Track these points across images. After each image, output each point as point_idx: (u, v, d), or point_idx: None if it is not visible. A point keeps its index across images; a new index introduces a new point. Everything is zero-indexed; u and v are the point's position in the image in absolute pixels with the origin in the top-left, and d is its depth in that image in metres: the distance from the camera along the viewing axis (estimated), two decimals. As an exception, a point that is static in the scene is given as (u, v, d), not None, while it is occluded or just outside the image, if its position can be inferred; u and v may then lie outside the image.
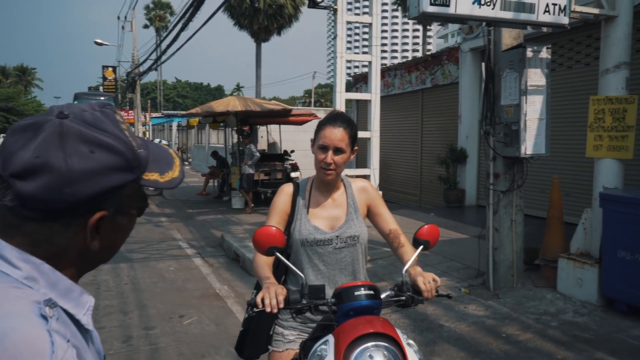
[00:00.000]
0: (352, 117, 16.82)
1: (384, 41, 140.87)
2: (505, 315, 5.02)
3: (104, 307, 5.76)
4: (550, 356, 4.19)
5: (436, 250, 7.31)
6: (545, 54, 5.28)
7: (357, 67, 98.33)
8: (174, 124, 35.62)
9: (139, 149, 0.86)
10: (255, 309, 1.89)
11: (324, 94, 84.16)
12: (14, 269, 0.78)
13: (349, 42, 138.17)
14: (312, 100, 68.75)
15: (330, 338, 1.90)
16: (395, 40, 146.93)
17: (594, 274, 5.11)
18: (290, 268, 2.04)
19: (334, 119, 2.17)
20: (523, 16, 4.64)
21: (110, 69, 42.25)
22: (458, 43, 12.39)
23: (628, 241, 4.68)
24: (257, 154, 12.27)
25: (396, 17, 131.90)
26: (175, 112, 46.79)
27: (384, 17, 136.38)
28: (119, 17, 36.19)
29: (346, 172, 10.50)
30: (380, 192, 9.23)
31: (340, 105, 9.83)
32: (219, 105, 12.31)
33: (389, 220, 2.36)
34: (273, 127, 15.99)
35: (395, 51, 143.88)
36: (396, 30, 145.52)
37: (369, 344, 1.80)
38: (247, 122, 13.38)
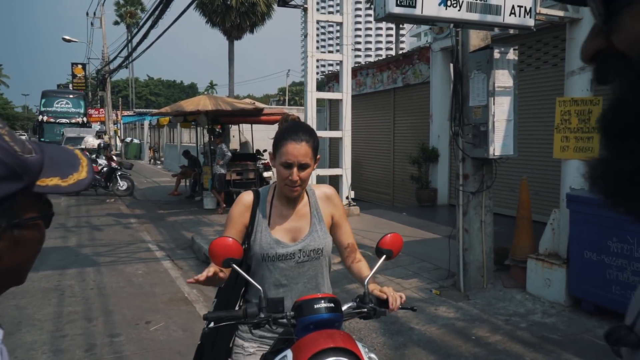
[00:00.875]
0: (325, 117, 16.81)
1: (358, 40, 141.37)
2: (475, 317, 5.02)
3: (68, 314, 5.61)
4: (518, 358, 4.20)
5: (407, 250, 7.30)
6: (512, 55, 5.30)
7: (331, 65, 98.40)
8: (146, 123, 35.12)
9: (26, 154, 0.77)
10: (210, 326, 1.83)
11: (298, 92, 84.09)
12: None
13: (323, 40, 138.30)
14: (287, 98, 68.58)
15: (289, 353, 1.84)
16: (369, 39, 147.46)
17: (561, 275, 5.15)
18: (248, 280, 1.97)
19: (295, 132, 2.03)
20: (489, 18, 4.64)
21: (79, 66, 41.51)
22: (429, 43, 12.43)
23: (594, 242, 4.72)
24: (229, 154, 12.14)
25: (370, 15, 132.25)
26: (147, 110, 46.23)
27: (357, 16, 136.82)
28: (87, 13, 35.62)
29: (318, 171, 10.48)
30: (353, 192, 9.18)
31: (311, 104, 9.79)
32: (189, 105, 12.13)
33: (348, 234, 2.31)
34: (245, 127, 15.86)
35: (369, 49, 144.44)
36: (370, 29, 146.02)
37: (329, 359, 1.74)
38: (219, 121, 13.23)
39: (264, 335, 2.16)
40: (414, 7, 4.21)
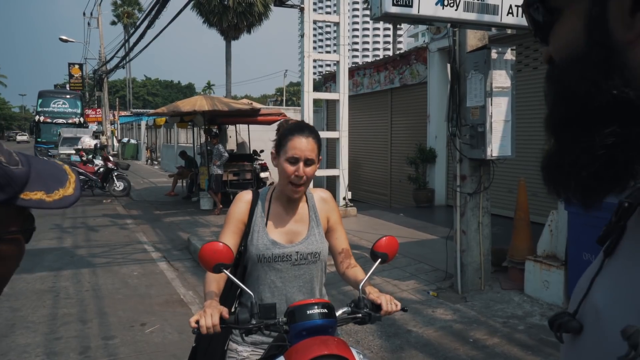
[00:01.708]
0: (322, 117, 16.76)
1: (356, 40, 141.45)
2: (472, 319, 4.99)
3: (62, 315, 5.56)
4: (516, 361, 4.16)
5: (405, 252, 7.27)
6: (510, 55, 5.26)
7: (328, 65, 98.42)
8: (143, 123, 35.05)
9: (11, 165, 0.74)
10: (195, 330, 1.79)
11: (296, 92, 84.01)
12: None
13: (320, 40, 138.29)
14: (284, 98, 68.59)
15: None
16: (366, 39, 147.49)
17: (560, 276, 5.11)
18: (240, 286, 1.93)
19: (301, 129, 2.04)
20: (487, 17, 4.61)
21: (76, 66, 41.44)
22: (426, 43, 12.40)
23: (592, 244, 4.65)
24: (226, 154, 12.09)
25: (367, 15, 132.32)
26: (145, 110, 46.14)
27: (355, 16, 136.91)
28: (84, 14, 35.55)
29: (317, 172, 10.41)
30: (350, 193, 9.15)
31: (308, 105, 9.76)
32: (185, 105, 12.08)
33: (343, 239, 2.28)
34: (242, 127, 15.81)
35: (367, 49, 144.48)
36: (367, 29, 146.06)
37: None
38: (215, 121, 13.18)
39: (258, 341, 2.13)
40: (411, 6, 4.18)
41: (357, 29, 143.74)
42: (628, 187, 0.58)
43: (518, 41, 8.74)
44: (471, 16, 4.49)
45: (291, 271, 2.11)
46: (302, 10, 9.27)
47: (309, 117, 9.57)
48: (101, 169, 15.58)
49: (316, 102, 14.87)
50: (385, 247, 2.13)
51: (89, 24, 35.53)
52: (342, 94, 10.18)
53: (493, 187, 5.87)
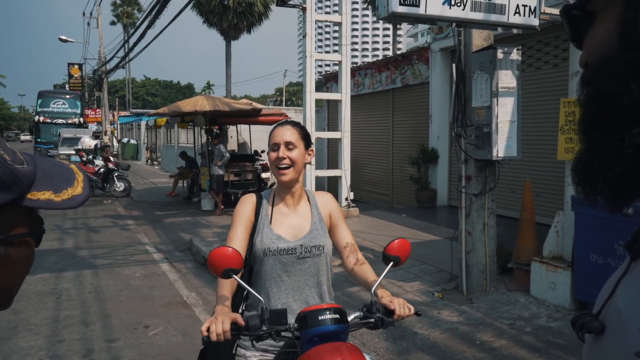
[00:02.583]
0: (323, 117, 16.72)
1: (355, 40, 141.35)
2: (479, 321, 4.95)
3: (65, 318, 5.52)
4: (524, 363, 4.13)
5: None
6: (515, 55, 5.22)
7: (328, 65, 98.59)
8: (143, 123, 35.00)
9: (16, 164, 0.70)
10: (205, 338, 1.75)
11: (296, 92, 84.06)
12: None
13: (320, 40, 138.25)
14: (284, 98, 68.58)
15: None
16: (365, 39, 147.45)
17: (566, 278, 5.07)
18: (250, 292, 1.90)
19: (282, 123, 2.22)
20: (494, 17, 4.57)
21: (76, 66, 41.36)
22: (428, 43, 12.36)
23: (600, 245, 4.64)
24: (227, 155, 12.04)
25: (367, 15, 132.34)
26: (144, 110, 46.09)
27: (354, 16, 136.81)
28: (84, 14, 35.47)
29: (317, 172, 10.39)
30: (352, 194, 9.11)
31: (310, 105, 9.71)
32: (186, 105, 12.04)
33: (346, 233, 2.29)
34: (243, 127, 15.76)
35: (366, 49, 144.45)
36: (367, 29, 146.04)
37: None
38: (216, 122, 13.14)
39: (267, 346, 2.09)
40: (418, 6, 4.13)
41: (357, 29, 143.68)
42: None
43: (522, 41, 8.71)
44: (478, 16, 4.45)
45: (297, 264, 2.12)
46: (304, 10, 9.23)
47: (311, 118, 9.53)
48: (102, 170, 15.54)
49: (317, 102, 14.83)
50: (397, 250, 2.10)
51: (88, 24, 35.44)
52: (344, 94, 10.14)
53: (498, 188, 5.83)
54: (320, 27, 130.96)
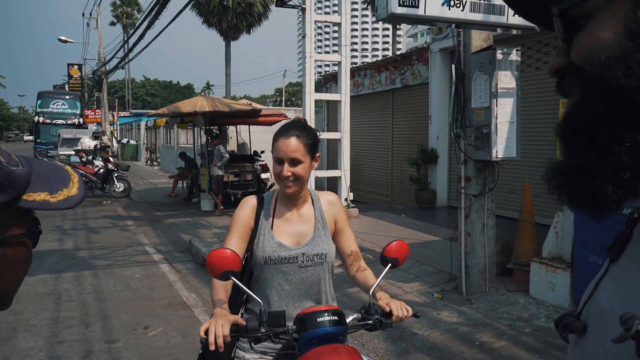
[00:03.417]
0: (323, 118, 16.72)
1: (355, 40, 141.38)
2: (478, 322, 4.95)
3: (64, 319, 5.52)
4: (523, 364, 4.13)
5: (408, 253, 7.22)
6: (515, 56, 5.23)
7: (327, 65, 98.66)
8: (142, 124, 35.02)
9: (11, 166, 0.71)
10: (203, 340, 1.74)
11: (295, 92, 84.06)
12: None
13: (320, 41, 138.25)
14: (283, 99, 68.60)
15: None
16: (365, 40, 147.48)
17: (566, 279, 5.08)
18: (248, 294, 1.89)
19: (287, 128, 2.07)
20: (493, 18, 4.57)
21: (75, 66, 41.38)
22: (427, 43, 12.36)
23: (599, 245, 4.65)
24: (227, 155, 12.04)
25: (366, 16, 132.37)
26: (144, 111, 46.10)
27: (354, 17, 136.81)
28: (83, 14, 35.47)
29: (317, 173, 10.39)
30: (352, 194, 9.08)
31: (309, 106, 9.72)
32: (186, 106, 12.04)
33: (351, 241, 2.25)
34: (242, 128, 15.76)
35: (366, 50, 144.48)
36: (366, 30, 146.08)
37: None
38: (216, 122, 13.14)
39: (266, 348, 2.09)
40: (417, 7, 4.14)
41: (356, 30, 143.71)
42: None
43: (521, 42, 8.71)
44: (477, 17, 4.46)
45: (298, 273, 2.08)
46: (303, 10, 9.23)
47: (310, 118, 9.53)
48: (101, 170, 15.55)
49: (317, 102, 14.81)
50: (395, 251, 2.10)
51: (88, 24, 35.45)
52: (343, 94, 10.14)
53: (497, 189, 5.83)
54: (320, 28, 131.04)
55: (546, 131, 8.61)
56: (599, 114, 0.58)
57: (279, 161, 2.04)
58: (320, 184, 15.35)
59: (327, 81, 16.90)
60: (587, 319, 0.68)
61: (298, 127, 2.08)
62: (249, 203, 2.17)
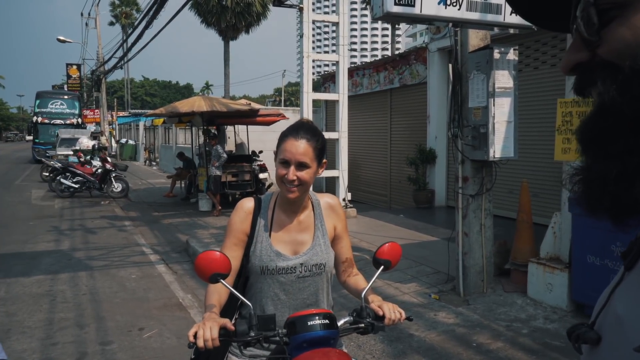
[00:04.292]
0: (321, 118, 16.69)
1: (354, 40, 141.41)
2: (475, 323, 4.92)
3: (59, 320, 5.48)
4: (521, 366, 4.10)
5: (405, 254, 7.19)
6: (512, 55, 5.19)
7: (327, 65, 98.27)
8: (141, 124, 34.97)
9: None
10: (191, 344, 1.70)
11: (294, 92, 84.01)
12: None
13: (319, 40, 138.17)
14: (282, 98, 68.58)
15: None
16: (364, 39, 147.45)
17: (563, 279, 5.04)
18: (238, 297, 1.85)
19: (296, 130, 1.94)
20: (490, 17, 4.54)
21: (74, 66, 41.37)
22: (426, 43, 12.33)
23: (597, 246, 4.62)
24: (224, 155, 12.01)
25: (365, 15, 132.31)
26: (143, 111, 46.03)
27: (353, 16, 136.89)
28: (82, 14, 35.45)
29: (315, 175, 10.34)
30: (350, 194, 9.06)
31: (307, 105, 9.69)
32: (183, 106, 12.00)
33: (347, 249, 2.19)
34: (241, 128, 15.72)
35: (365, 50, 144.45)
36: (366, 29, 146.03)
37: None
38: (214, 122, 13.10)
39: (258, 353, 2.05)
40: (413, 5, 4.10)
41: (356, 29, 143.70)
42: None
43: (519, 41, 8.68)
44: (474, 16, 4.42)
45: (295, 284, 2.02)
46: (301, 10, 9.20)
47: (308, 118, 9.50)
48: (99, 170, 15.51)
49: (315, 102, 14.76)
50: (388, 253, 2.06)
51: (86, 24, 35.46)
52: (341, 94, 10.11)
53: (495, 189, 5.80)
54: (319, 27, 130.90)
55: (544, 131, 8.58)
56: None
57: (284, 163, 1.92)
58: (319, 184, 15.33)
59: (326, 81, 16.87)
60: (601, 329, 0.65)
61: (309, 129, 1.97)
62: (245, 207, 2.07)
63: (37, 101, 32.67)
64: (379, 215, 10.62)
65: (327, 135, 11.21)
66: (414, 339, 4.61)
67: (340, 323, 1.87)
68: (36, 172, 22.01)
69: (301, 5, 9.21)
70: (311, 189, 2.12)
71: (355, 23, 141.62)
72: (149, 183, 19.79)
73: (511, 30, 5.38)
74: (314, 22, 9.67)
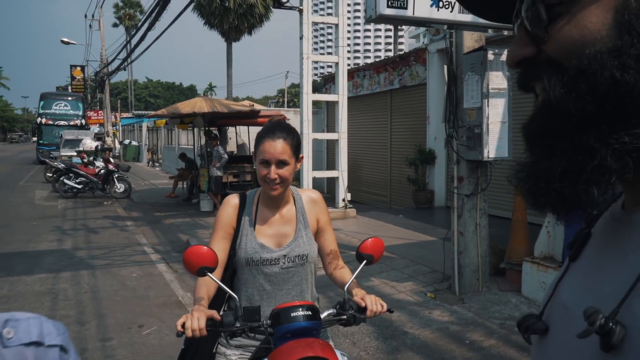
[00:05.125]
0: (322, 119, 16.74)
1: (357, 41, 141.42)
2: (469, 321, 4.98)
3: (60, 317, 5.56)
4: (512, 362, 4.16)
5: (403, 253, 7.28)
6: (506, 56, 5.25)
7: (330, 66, 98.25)
8: (144, 125, 35.12)
9: None
10: (179, 333, 1.79)
11: (297, 93, 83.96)
12: None
13: (322, 42, 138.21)
14: (285, 99, 68.64)
15: None
16: (368, 40, 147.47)
17: (556, 278, 5.10)
18: (224, 289, 1.94)
19: (272, 130, 2.03)
20: (482, 19, 4.60)
21: (78, 68, 41.49)
22: (425, 44, 12.39)
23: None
24: (225, 156, 12.09)
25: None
26: (146, 112, 46.18)
27: (356, 17, 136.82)
28: (86, 16, 35.61)
29: (315, 173, 10.44)
30: (349, 194, 9.12)
31: (307, 106, 9.77)
32: (185, 107, 12.09)
33: (331, 240, 2.27)
34: (242, 129, 15.81)
35: (368, 51, 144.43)
36: (368, 30, 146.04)
37: None
38: (215, 123, 13.19)
39: (245, 344, 2.13)
40: (405, 8, 4.17)
41: (359, 30, 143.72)
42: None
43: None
44: (467, 18, 4.49)
45: (280, 275, 2.10)
46: (300, 12, 9.28)
47: (308, 119, 9.58)
48: (102, 171, 15.62)
49: (316, 103, 14.85)
50: (370, 248, 2.13)
51: (90, 26, 35.61)
52: (341, 95, 10.19)
53: (490, 188, 5.87)
54: (322, 29, 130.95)
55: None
56: (587, 113, 0.52)
57: (265, 163, 2.01)
58: (320, 184, 15.39)
59: (327, 82, 16.94)
60: (548, 319, 0.68)
61: (284, 128, 2.06)
62: (231, 202, 2.17)
63: (41, 102, 32.85)
64: (378, 216, 10.69)
65: (328, 136, 11.31)
66: (408, 336, 4.68)
67: (323, 315, 1.94)
68: (40, 173, 22.15)
69: (301, 7, 9.29)
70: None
71: (359, 24, 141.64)
72: (151, 184, 19.90)
73: (505, 32, 5.45)
74: (314, 23, 9.76)
